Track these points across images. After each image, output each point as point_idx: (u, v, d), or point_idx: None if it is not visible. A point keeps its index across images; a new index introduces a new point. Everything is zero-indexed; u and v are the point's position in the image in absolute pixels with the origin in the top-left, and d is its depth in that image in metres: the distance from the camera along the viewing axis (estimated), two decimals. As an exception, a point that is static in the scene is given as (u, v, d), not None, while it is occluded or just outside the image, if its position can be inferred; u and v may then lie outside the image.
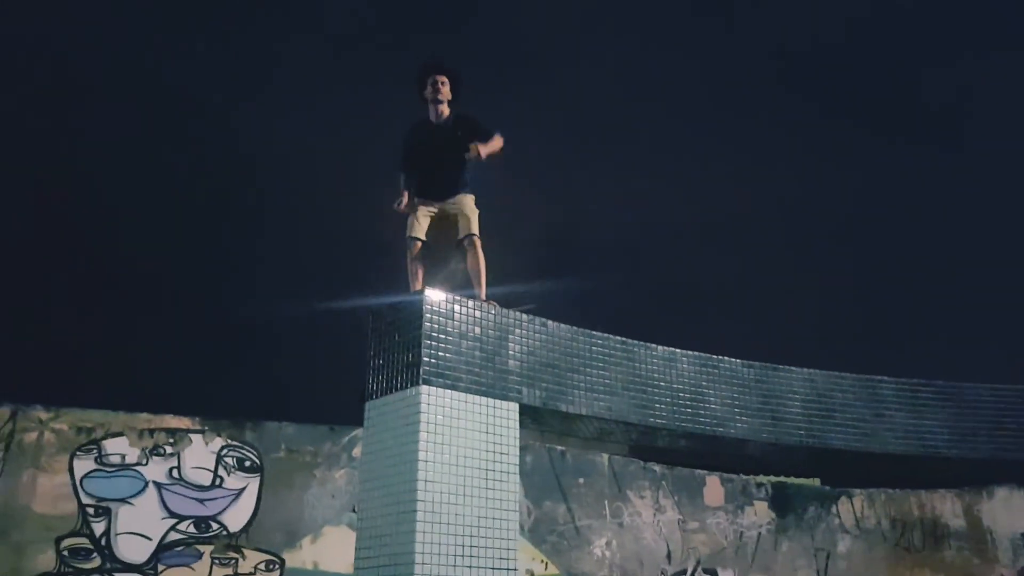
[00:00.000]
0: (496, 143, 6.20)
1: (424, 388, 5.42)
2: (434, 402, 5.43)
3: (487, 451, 5.57)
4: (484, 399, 5.68)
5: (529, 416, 6.32)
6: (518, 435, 5.78)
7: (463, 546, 5.26)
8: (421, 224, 6.31)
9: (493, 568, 5.33)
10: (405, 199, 6.32)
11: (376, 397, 5.71)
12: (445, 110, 6.34)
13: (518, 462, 5.73)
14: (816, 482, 10.80)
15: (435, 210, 6.36)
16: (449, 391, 5.53)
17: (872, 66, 17.57)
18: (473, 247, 6.25)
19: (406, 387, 5.50)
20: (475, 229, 6.31)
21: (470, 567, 5.25)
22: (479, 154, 6.12)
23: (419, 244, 6.26)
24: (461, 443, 5.47)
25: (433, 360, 5.52)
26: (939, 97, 16.90)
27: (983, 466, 7.25)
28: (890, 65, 17.41)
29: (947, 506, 10.34)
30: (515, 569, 5.44)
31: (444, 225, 6.38)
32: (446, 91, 6.31)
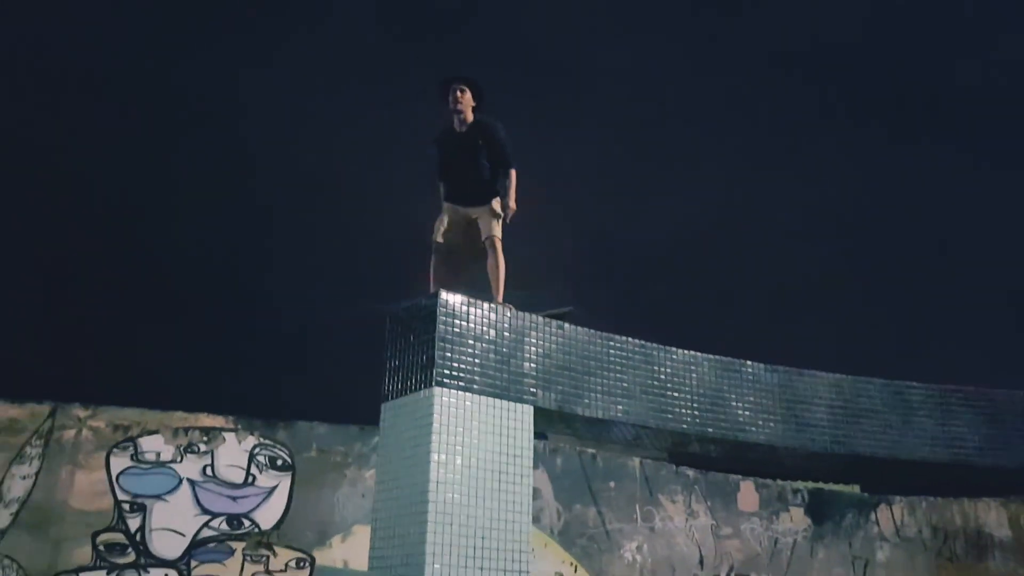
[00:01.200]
0: (513, 182, 6.33)
1: (437, 390, 5.46)
2: (447, 403, 5.47)
3: (500, 453, 5.60)
4: (498, 401, 5.70)
5: (552, 420, 6.34)
6: (532, 437, 5.80)
7: (475, 547, 5.29)
8: (445, 227, 6.37)
9: (504, 570, 5.35)
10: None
11: (392, 399, 5.78)
12: (468, 117, 6.40)
13: (532, 464, 5.74)
14: (856, 489, 10.60)
15: (462, 214, 6.43)
16: (462, 393, 5.57)
17: (888, 64, 17.18)
18: (494, 250, 6.28)
19: (420, 389, 5.55)
20: (498, 232, 6.35)
21: (482, 568, 5.27)
22: (511, 207, 6.27)
23: (441, 246, 6.32)
24: (474, 445, 5.50)
25: (446, 362, 5.56)
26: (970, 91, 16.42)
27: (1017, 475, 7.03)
28: (904, 63, 17.02)
29: (992, 515, 10.06)
30: (527, 572, 5.45)
31: (472, 229, 6.43)
32: (466, 99, 6.35)
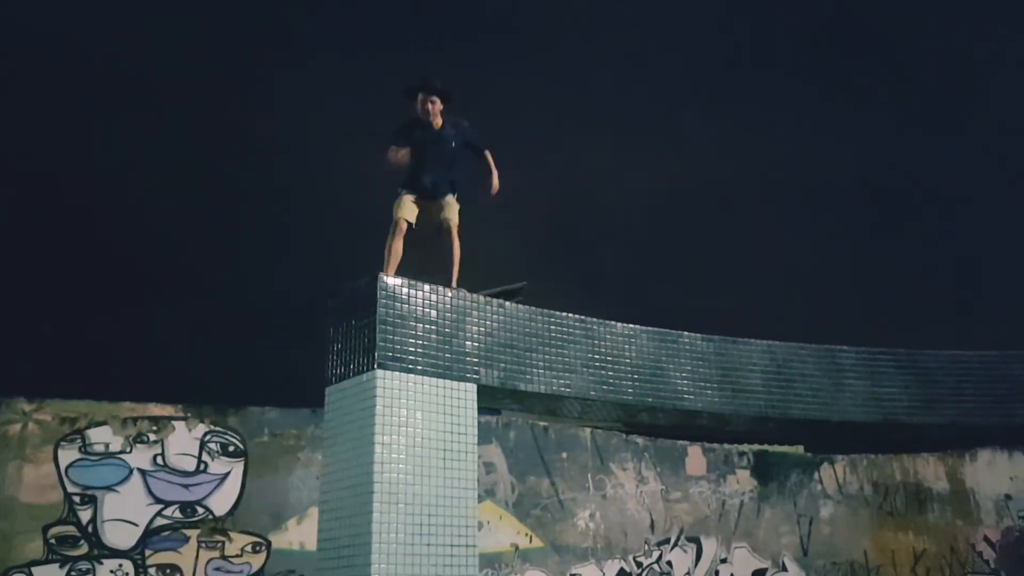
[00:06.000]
0: (491, 161, 6.78)
1: (379, 372, 5.55)
2: (390, 385, 5.57)
3: (445, 431, 5.72)
4: (441, 381, 5.81)
5: (501, 396, 6.47)
6: (476, 415, 5.92)
7: (421, 524, 5.42)
8: (409, 208, 6.49)
9: (452, 544, 5.49)
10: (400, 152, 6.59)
11: (335, 382, 5.85)
12: (438, 123, 6.66)
13: (476, 441, 5.87)
14: (799, 450, 10.92)
15: (421, 204, 6.63)
16: (405, 374, 5.66)
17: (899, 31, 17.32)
18: (451, 236, 6.48)
19: (362, 371, 5.63)
20: (455, 219, 6.59)
21: (429, 544, 5.41)
22: (496, 184, 6.70)
23: (405, 225, 6.42)
24: (418, 424, 5.61)
25: (388, 344, 5.64)
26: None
27: (950, 431, 7.33)
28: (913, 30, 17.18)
29: (930, 469, 10.42)
30: (474, 545, 5.59)
31: (426, 216, 6.65)
32: (437, 108, 6.60)
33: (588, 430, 9.86)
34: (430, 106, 6.53)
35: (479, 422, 6.28)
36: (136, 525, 7.72)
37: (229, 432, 8.29)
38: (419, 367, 5.74)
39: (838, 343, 7.04)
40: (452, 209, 6.59)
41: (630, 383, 6.57)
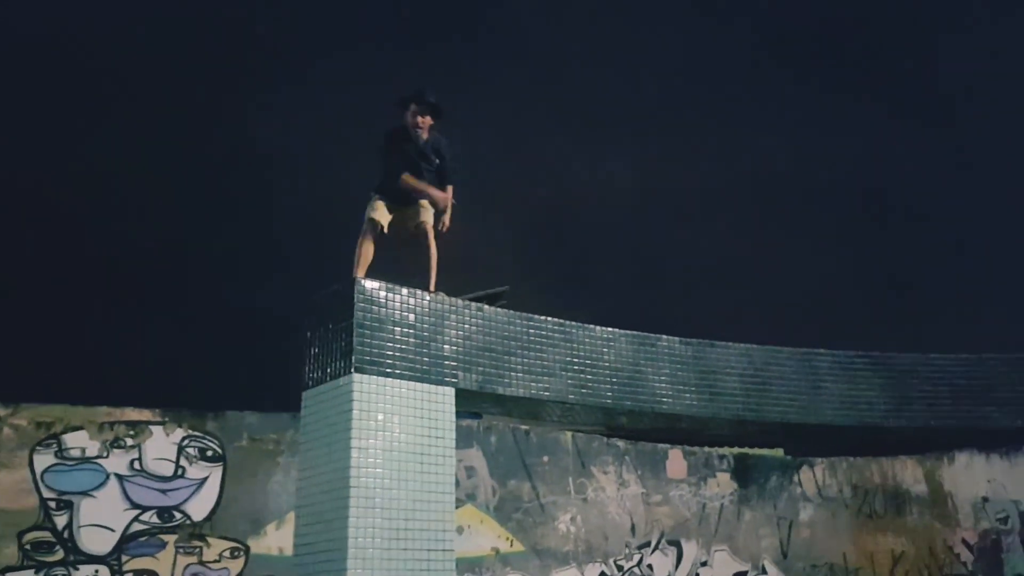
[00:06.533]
0: (451, 198, 6.75)
1: (356, 376, 5.53)
2: (367, 390, 5.55)
3: (422, 435, 5.70)
4: (419, 385, 5.80)
5: (481, 400, 6.46)
6: (454, 419, 5.91)
7: (398, 529, 5.41)
8: (382, 212, 6.46)
9: (429, 549, 5.47)
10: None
11: (312, 386, 5.83)
12: (425, 135, 6.72)
13: (454, 445, 5.86)
14: (779, 452, 10.97)
15: (395, 210, 6.61)
16: (383, 378, 5.65)
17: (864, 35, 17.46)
18: (427, 238, 6.46)
19: (339, 376, 5.61)
20: (430, 222, 6.58)
21: (405, 549, 5.39)
22: (446, 224, 6.68)
23: (378, 228, 6.39)
24: (395, 429, 5.59)
25: (365, 348, 5.63)
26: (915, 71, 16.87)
27: (927, 433, 7.38)
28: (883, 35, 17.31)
29: (908, 472, 10.49)
30: (451, 550, 5.58)
31: (399, 223, 6.63)
32: (426, 122, 6.66)
33: (569, 434, 9.86)
34: (420, 119, 6.59)
35: (460, 426, 6.28)
36: (113, 530, 7.65)
37: (207, 437, 8.22)
38: (396, 371, 5.73)
39: (815, 346, 7.06)
40: (428, 212, 6.59)
41: (609, 387, 6.58)
